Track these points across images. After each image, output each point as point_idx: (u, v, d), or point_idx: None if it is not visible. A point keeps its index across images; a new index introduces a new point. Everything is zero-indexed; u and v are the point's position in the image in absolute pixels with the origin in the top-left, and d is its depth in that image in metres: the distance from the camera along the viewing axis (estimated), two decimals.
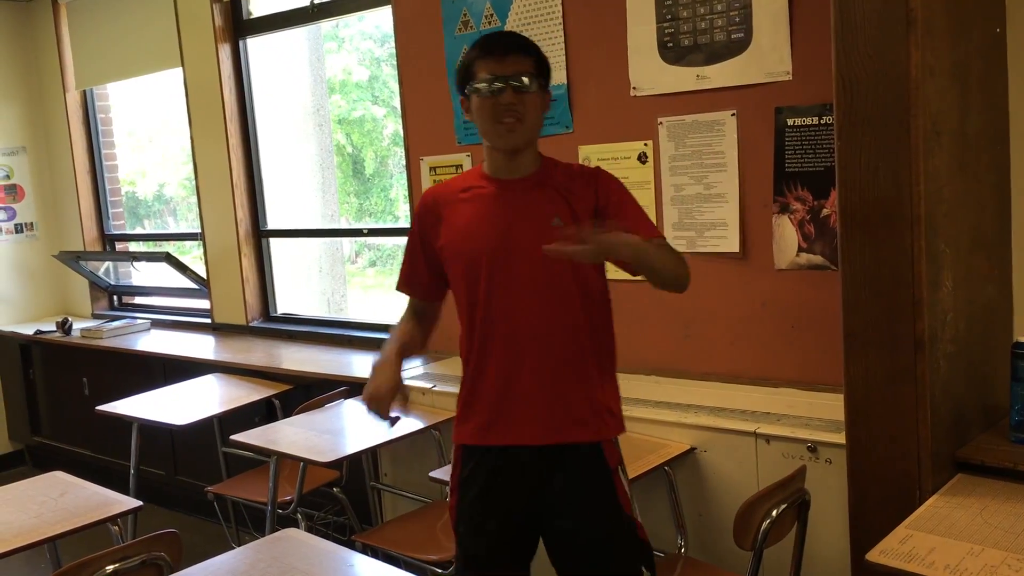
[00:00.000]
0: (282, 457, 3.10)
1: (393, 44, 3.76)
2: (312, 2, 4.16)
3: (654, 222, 2.33)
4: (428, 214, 2.12)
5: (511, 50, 1.99)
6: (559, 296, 1.99)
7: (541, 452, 2.01)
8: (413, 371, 3.59)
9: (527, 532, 2.08)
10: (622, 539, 2.02)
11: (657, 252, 1.95)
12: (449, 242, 2.07)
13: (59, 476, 2.78)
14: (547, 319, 1.99)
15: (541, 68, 2.02)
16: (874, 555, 1.74)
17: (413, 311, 2.23)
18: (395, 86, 3.81)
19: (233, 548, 2.36)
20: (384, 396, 1.99)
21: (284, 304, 4.76)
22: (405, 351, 2.13)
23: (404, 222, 4.72)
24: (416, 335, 2.20)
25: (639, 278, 1.99)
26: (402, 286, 2.22)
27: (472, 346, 2.06)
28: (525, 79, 1.96)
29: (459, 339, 2.12)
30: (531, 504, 2.04)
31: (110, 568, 1.98)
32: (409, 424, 3.18)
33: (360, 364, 3.85)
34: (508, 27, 3.33)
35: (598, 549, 1.99)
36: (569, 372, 2.01)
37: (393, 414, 2.01)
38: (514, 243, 1.99)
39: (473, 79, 1.99)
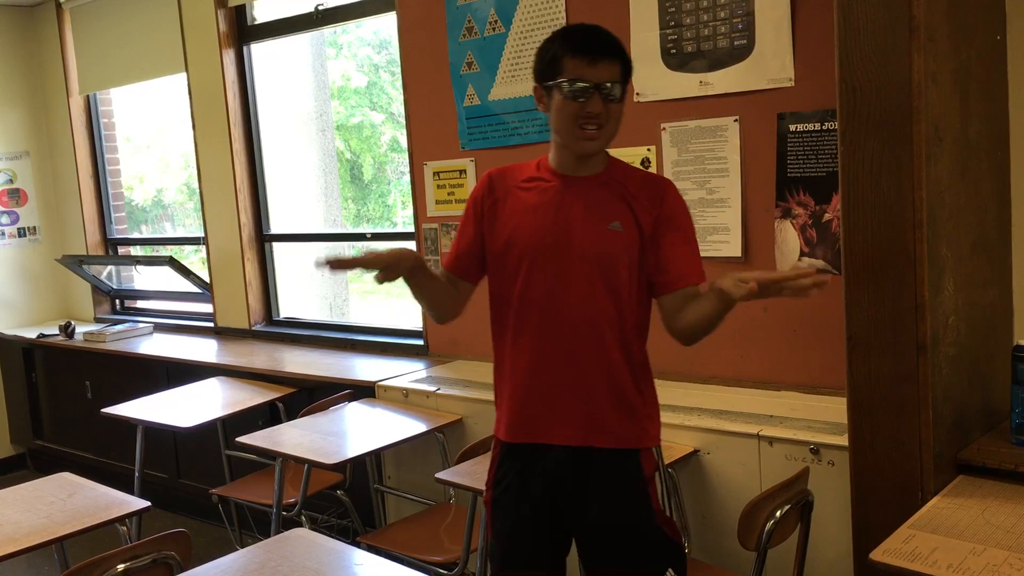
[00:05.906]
0: (287, 459, 3.12)
1: (391, 50, 3.78)
2: (316, 8, 4.19)
3: None
4: (488, 194, 2.05)
5: (604, 53, 1.89)
6: (601, 298, 1.96)
7: (576, 452, 1.98)
8: (417, 374, 3.61)
9: (560, 527, 2.04)
10: (650, 541, 1.99)
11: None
12: (502, 229, 2.00)
13: (67, 477, 2.79)
14: (591, 320, 1.95)
15: (627, 73, 1.95)
16: (877, 554, 1.76)
17: (448, 278, 2.12)
18: (393, 92, 3.84)
19: (237, 550, 2.38)
20: (380, 256, 1.87)
21: (287, 308, 4.79)
22: (425, 268, 2.02)
23: (404, 227, 4.74)
24: (440, 284, 2.09)
25: None
26: (450, 263, 2.11)
27: (509, 339, 2.01)
28: (613, 86, 1.89)
29: (494, 333, 2.07)
30: (565, 499, 2.01)
31: (121, 567, 2.00)
32: (413, 427, 3.21)
33: (362, 367, 3.88)
34: (512, 33, 3.37)
35: (625, 549, 1.97)
36: (607, 375, 1.98)
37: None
38: (568, 241, 1.95)
39: (558, 75, 1.90)
